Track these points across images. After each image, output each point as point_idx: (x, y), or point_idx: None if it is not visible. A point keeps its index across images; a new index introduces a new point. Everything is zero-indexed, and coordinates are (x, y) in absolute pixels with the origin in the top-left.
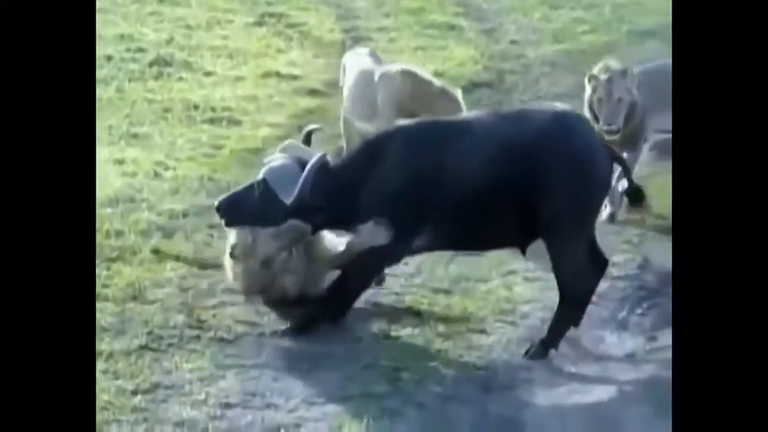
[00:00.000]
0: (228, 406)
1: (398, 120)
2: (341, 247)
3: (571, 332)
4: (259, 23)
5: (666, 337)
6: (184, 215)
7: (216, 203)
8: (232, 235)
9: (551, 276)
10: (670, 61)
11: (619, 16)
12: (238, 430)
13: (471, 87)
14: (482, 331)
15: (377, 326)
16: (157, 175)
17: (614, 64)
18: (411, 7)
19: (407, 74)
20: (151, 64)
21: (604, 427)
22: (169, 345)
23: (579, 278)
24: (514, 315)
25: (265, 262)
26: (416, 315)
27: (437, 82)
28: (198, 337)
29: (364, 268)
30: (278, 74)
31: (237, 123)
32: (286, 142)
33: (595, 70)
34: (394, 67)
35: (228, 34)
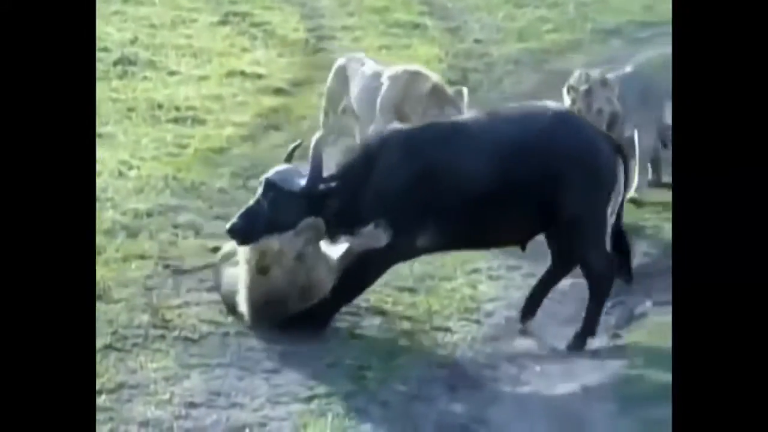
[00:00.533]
0: (193, 405)
1: (394, 120)
2: (336, 255)
3: (536, 329)
4: (224, 22)
5: (629, 335)
6: (149, 215)
7: (228, 227)
8: (247, 254)
9: (515, 274)
10: (628, 69)
11: (583, 14)
12: (203, 430)
13: None
14: (447, 330)
15: (342, 325)
16: (121, 174)
17: (593, 73)
18: (375, 5)
19: (410, 74)
20: (115, 64)
21: (569, 426)
22: (134, 344)
23: (606, 268)
24: (478, 313)
25: (299, 257)
26: (381, 314)
27: (436, 79)
28: (163, 337)
29: (362, 270)
30: (243, 73)
31: (201, 122)
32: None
33: (573, 81)
34: (401, 68)
35: (192, 33)
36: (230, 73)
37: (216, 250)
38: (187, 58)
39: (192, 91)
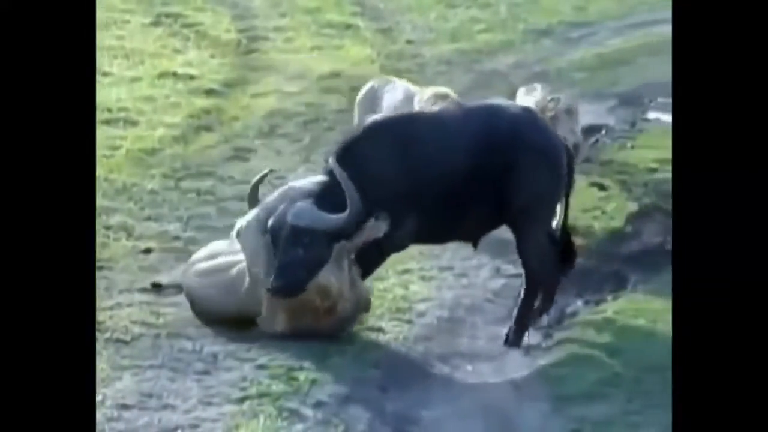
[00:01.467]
0: (125, 407)
1: None
2: None
3: (468, 329)
4: (156, 23)
5: (560, 333)
6: None
7: (271, 287)
8: (306, 300)
9: (447, 275)
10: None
11: (515, 15)
12: None
13: None
14: (379, 330)
15: None
16: None
17: (563, 99)
18: (307, 6)
19: (439, 97)
20: None
21: (500, 424)
22: None
23: (545, 263)
24: (410, 313)
25: (352, 282)
26: None
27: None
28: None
29: (366, 263)
30: (175, 74)
31: (133, 123)
32: (283, 189)
33: (540, 103)
34: (430, 92)
35: (124, 34)
36: (162, 74)
37: (148, 251)
38: (119, 60)
39: (124, 93)
